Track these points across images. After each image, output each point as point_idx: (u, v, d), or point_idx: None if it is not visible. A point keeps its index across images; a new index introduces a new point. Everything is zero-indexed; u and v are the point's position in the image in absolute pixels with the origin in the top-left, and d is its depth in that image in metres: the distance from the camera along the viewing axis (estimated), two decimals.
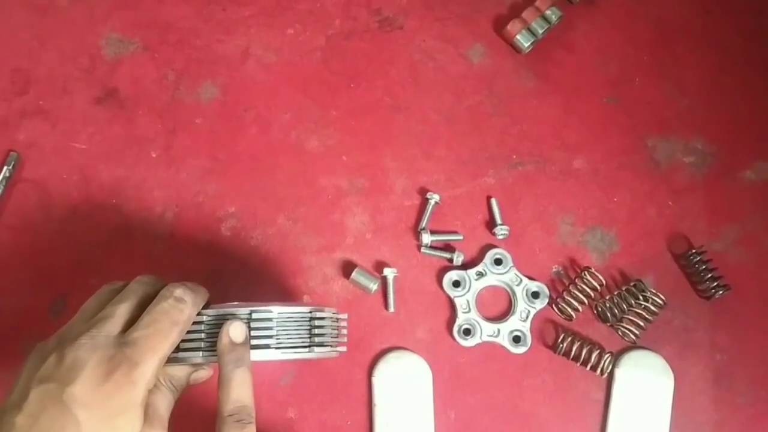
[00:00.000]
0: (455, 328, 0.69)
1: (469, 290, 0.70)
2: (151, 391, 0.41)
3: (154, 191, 0.73)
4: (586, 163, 0.76)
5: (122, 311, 0.40)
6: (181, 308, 0.40)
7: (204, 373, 0.49)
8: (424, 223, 0.72)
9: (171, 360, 0.42)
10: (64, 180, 0.73)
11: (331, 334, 0.51)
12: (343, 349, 0.53)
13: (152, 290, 0.44)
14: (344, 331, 0.55)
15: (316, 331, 0.49)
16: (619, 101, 0.78)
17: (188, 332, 0.43)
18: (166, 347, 0.39)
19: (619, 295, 0.70)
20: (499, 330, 0.69)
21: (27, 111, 0.75)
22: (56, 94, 0.76)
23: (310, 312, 0.50)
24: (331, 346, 0.51)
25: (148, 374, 0.37)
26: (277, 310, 0.47)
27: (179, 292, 0.40)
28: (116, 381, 0.36)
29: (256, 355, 0.44)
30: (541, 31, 0.78)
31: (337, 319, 0.54)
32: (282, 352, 0.46)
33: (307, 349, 0.48)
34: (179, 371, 0.46)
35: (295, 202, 0.73)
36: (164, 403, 0.43)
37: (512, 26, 0.78)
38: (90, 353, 0.37)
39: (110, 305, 0.41)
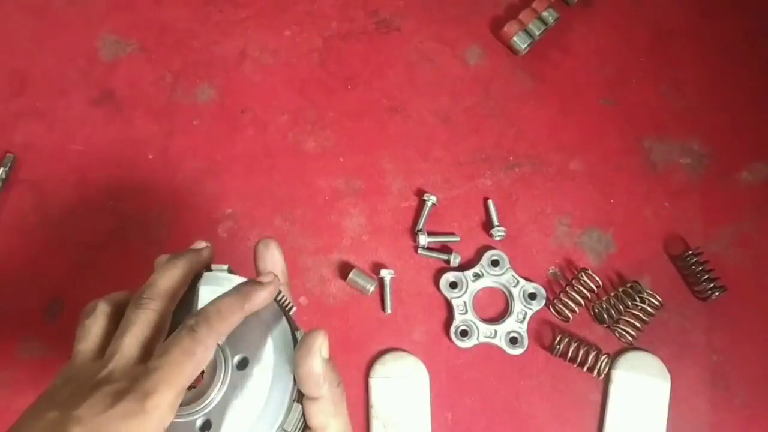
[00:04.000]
0: (452, 330, 0.69)
1: (466, 291, 0.70)
2: None
3: (150, 193, 0.73)
4: (583, 164, 0.76)
5: (132, 342, 0.37)
6: (194, 337, 0.36)
7: None
8: (421, 225, 0.72)
9: None
10: (60, 181, 0.73)
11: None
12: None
13: (163, 308, 0.39)
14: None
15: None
16: (616, 103, 0.78)
17: None
18: (182, 379, 0.35)
19: (616, 296, 0.70)
20: (496, 331, 0.69)
21: (24, 112, 0.75)
22: (53, 95, 0.76)
23: None
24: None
25: (163, 406, 0.33)
26: None
27: (192, 322, 0.37)
28: (124, 408, 0.33)
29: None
30: (538, 33, 0.78)
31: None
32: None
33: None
34: None
35: (292, 204, 0.73)
36: None
37: (509, 28, 0.78)
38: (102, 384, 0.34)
39: (117, 338, 0.37)
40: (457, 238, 0.73)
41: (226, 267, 0.43)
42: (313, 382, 0.37)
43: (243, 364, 0.38)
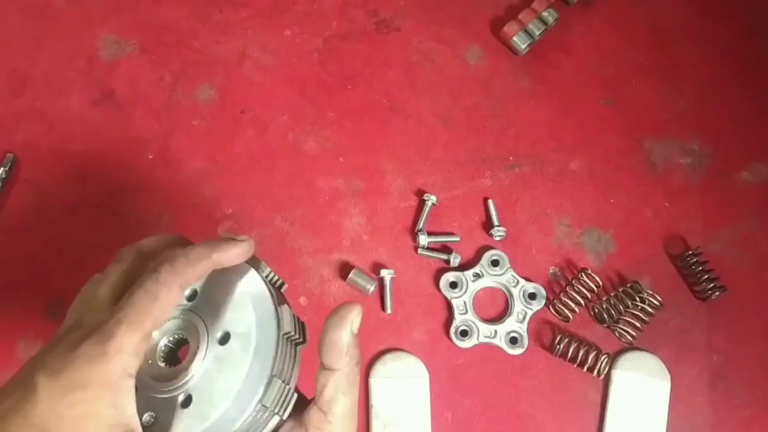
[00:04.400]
0: (452, 330, 0.69)
1: (466, 291, 0.70)
2: None
3: (151, 193, 0.73)
4: (583, 164, 0.76)
5: (103, 290, 0.38)
6: (156, 279, 0.35)
7: None
8: (421, 225, 0.72)
9: None
10: (61, 181, 0.73)
11: None
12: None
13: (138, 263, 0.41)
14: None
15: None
16: (616, 103, 0.78)
17: None
18: (145, 322, 0.34)
19: (616, 296, 0.70)
20: (496, 331, 0.69)
21: (24, 112, 0.75)
22: (53, 95, 0.76)
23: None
24: None
25: (126, 349, 0.33)
26: None
27: (154, 264, 0.37)
28: (85, 350, 0.32)
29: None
30: (537, 33, 0.78)
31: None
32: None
33: None
34: None
35: (292, 204, 0.73)
36: None
37: (509, 28, 0.78)
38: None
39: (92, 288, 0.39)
40: (457, 238, 0.73)
41: None
42: (336, 353, 0.37)
43: (225, 339, 0.37)
